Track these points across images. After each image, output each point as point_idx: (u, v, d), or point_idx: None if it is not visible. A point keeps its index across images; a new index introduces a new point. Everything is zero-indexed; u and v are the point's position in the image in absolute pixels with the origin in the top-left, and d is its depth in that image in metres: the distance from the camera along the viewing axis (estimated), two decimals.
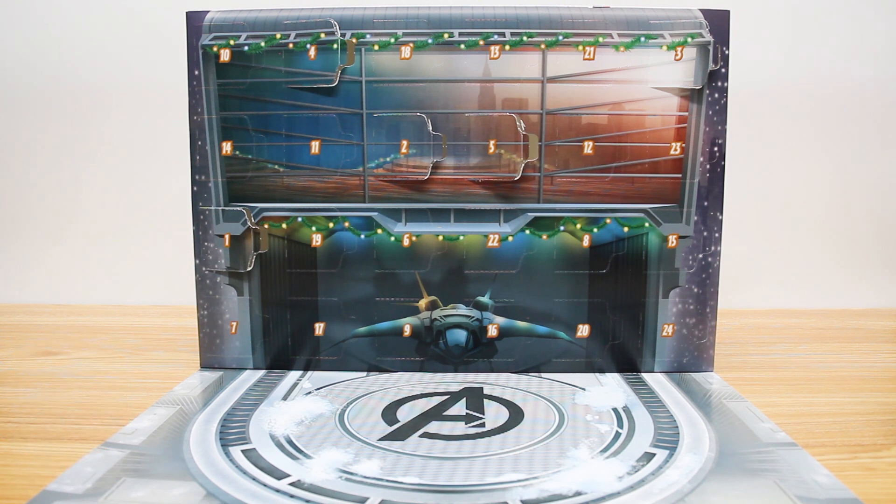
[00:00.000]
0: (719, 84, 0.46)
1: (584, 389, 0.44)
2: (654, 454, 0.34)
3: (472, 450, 0.34)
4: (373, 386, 0.45)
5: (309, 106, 0.46)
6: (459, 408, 0.41)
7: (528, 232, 0.47)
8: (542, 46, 0.46)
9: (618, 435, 0.36)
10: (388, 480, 0.31)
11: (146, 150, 0.73)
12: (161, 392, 0.44)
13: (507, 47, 0.46)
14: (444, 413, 0.40)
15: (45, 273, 0.76)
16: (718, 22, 0.45)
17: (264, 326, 0.48)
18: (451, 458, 0.33)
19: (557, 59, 0.46)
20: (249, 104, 0.47)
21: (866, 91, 0.71)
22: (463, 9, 0.46)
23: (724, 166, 0.46)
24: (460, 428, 0.37)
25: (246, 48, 0.46)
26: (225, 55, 0.46)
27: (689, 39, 0.45)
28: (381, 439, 0.36)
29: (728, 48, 0.45)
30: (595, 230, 0.47)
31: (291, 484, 0.30)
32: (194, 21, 0.46)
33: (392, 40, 0.46)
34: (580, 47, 0.45)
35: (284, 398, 0.42)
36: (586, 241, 0.47)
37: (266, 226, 0.47)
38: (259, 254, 0.48)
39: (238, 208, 0.47)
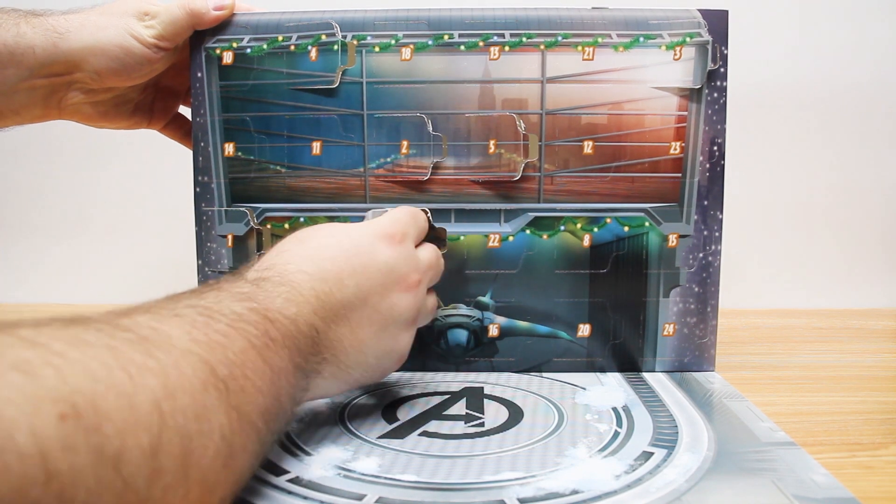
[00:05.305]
0: (718, 83, 0.46)
1: (584, 389, 0.44)
2: (652, 453, 0.34)
3: (471, 448, 0.35)
4: (373, 385, 0.45)
5: (310, 107, 0.47)
6: (459, 407, 0.41)
7: (528, 232, 0.47)
8: (542, 47, 0.46)
9: (616, 434, 0.37)
10: (385, 478, 0.31)
11: (148, 151, 0.73)
12: None
13: (507, 48, 0.46)
14: (444, 412, 0.40)
15: (46, 273, 0.76)
16: (717, 21, 0.45)
17: None
18: (449, 457, 0.34)
19: (557, 60, 0.46)
20: (251, 106, 0.47)
21: (867, 89, 0.71)
22: (463, 10, 0.46)
23: (723, 165, 0.46)
24: (460, 427, 0.38)
25: (248, 50, 0.47)
26: (227, 57, 0.47)
27: (688, 39, 0.45)
28: (380, 437, 0.36)
29: (727, 47, 0.45)
30: (595, 230, 0.47)
31: (290, 480, 0.31)
32: None
33: (392, 42, 0.46)
34: (579, 48, 0.46)
35: None
36: (587, 241, 0.47)
37: (268, 226, 0.48)
38: (262, 254, 0.48)
39: (241, 209, 0.48)
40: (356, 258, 0.35)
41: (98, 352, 0.20)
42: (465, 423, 0.38)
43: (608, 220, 0.47)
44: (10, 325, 0.20)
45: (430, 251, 0.41)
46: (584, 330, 0.48)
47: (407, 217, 0.40)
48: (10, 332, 0.19)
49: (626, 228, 0.47)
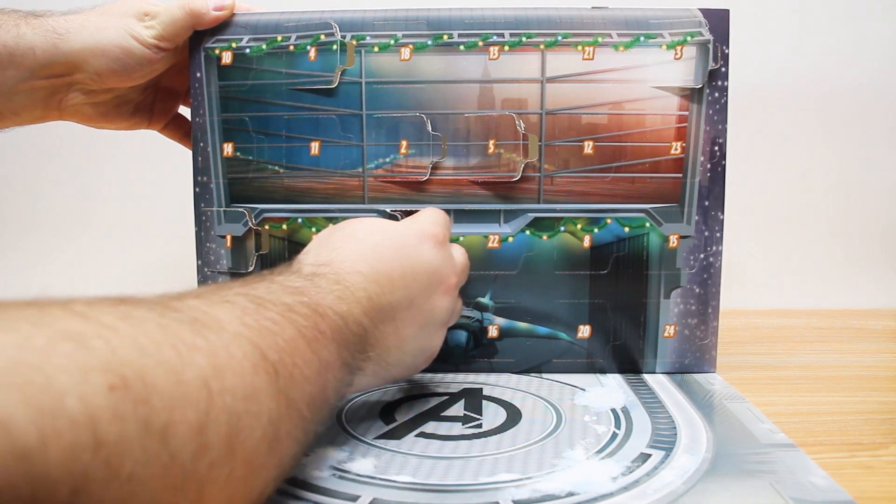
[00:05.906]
0: (719, 83, 0.45)
1: (583, 390, 0.44)
2: (650, 455, 0.34)
3: (468, 450, 0.35)
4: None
5: (309, 107, 0.47)
6: (458, 408, 0.41)
7: (528, 232, 0.47)
8: (542, 47, 0.46)
9: (615, 435, 0.36)
10: (381, 479, 0.31)
11: (148, 151, 0.73)
12: None
13: (507, 48, 0.46)
14: (442, 413, 0.40)
15: (45, 274, 0.76)
16: (718, 21, 0.45)
17: None
18: (445, 458, 0.33)
19: (557, 60, 0.46)
20: (250, 106, 0.47)
21: (867, 89, 0.71)
22: (462, 10, 0.46)
23: (724, 165, 0.46)
24: (457, 428, 0.38)
25: (247, 51, 0.46)
26: (227, 58, 0.47)
27: (689, 38, 0.45)
28: (377, 438, 0.36)
29: (728, 47, 0.45)
30: (596, 230, 0.47)
31: (284, 480, 0.31)
32: None
33: (392, 42, 0.46)
34: (579, 47, 0.46)
35: None
36: (587, 242, 0.47)
37: (267, 227, 0.48)
38: (260, 254, 0.48)
39: (239, 209, 0.48)
40: (406, 260, 0.36)
41: (148, 328, 0.21)
42: (463, 424, 0.38)
43: (608, 221, 0.47)
44: (64, 301, 0.20)
45: (461, 253, 0.42)
46: (585, 331, 0.48)
47: (443, 218, 0.41)
48: (64, 306, 0.20)
49: (627, 229, 0.47)
